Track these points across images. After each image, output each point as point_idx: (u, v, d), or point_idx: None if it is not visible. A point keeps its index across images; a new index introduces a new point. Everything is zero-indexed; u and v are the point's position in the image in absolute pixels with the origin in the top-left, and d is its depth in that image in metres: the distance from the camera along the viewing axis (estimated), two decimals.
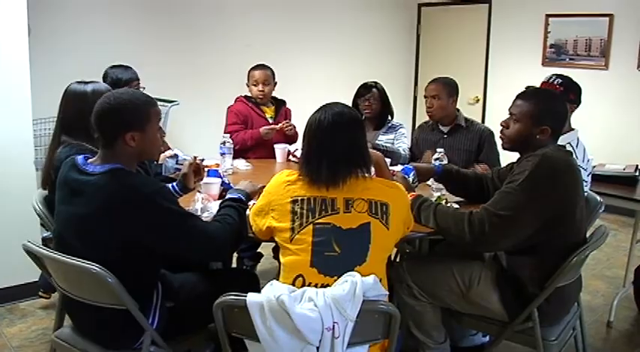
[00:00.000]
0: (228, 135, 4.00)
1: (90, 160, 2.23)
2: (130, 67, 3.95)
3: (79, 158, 2.23)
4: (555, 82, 3.36)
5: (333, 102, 2.29)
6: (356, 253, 2.08)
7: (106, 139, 2.20)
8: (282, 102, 4.52)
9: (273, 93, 4.47)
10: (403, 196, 2.30)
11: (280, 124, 4.24)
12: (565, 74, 3.43)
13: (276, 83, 4.40)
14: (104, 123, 2.18)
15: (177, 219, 2.16)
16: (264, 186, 2.35)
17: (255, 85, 4.31)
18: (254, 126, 4.28)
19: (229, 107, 4.41)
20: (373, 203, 2.14)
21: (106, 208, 2.08)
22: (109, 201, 2.09)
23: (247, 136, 4.23)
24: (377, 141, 4.15)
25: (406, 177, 2.95)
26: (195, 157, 2.86)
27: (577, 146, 3.17)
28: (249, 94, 4.42)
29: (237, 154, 4.07)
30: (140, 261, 2.19)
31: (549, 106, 2.57)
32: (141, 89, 3.68)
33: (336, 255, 2.07)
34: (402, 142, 4.25)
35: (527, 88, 3.43)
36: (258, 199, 2.32)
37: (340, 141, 2.17)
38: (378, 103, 4.29)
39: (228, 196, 2.52)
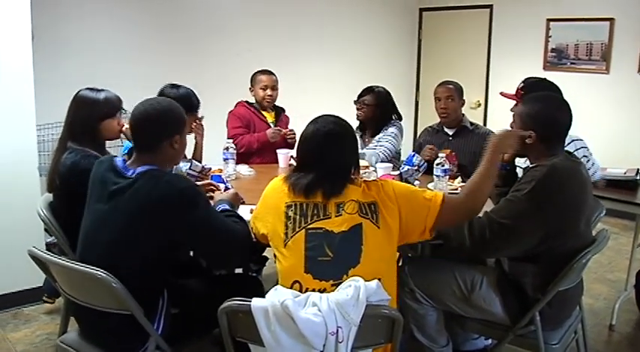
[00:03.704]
0: (232, 139, 4.04)
1: (127, 163, 2.29)
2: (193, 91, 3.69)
3: (119, 161, 2.30)
4: (519, 86, 3.34)
5: (326, 115, 2.31)
6: (349, 256, 2.09)
7: (148, 143, 2.27)
8: (282, 110, 4.58)
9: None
10: (390, 192, 2.22)
11: (285, 130, 4.31)
12: (543, 77, 3.42)
13: (278, 88, 4.47)
14: (152, 127, 2.26)
15: (214, 215, 2.29)
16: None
17: (263, 90, 4.38)
18: (256, 130, 4.34)
19: (230, 112, 4.45)
20: (362, 204, 2.15)
21: (150, 206, 2.14)
22: (152, 199, 2.14)
23: (253, 139, 4.29)
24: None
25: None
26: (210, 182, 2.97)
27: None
28: (249, 99, 4.48)
29: (241, 158, 4.11)
30: (164, 261, 2.26)
31: (535, 111, 2.53)
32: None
33: (329, 259, 2.08)
34: (385, 141, 4.21)
35: (527, 79, 3.42)
36: (257, 204, 2.33)
37: (330, 157, 2.20)
38: (371, 107, 4.29)
39: (221, 208, 2.52)
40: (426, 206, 2.25)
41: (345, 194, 2.16)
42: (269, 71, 4.44)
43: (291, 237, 2.12)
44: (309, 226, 2.12)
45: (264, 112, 4.46)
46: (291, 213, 2.14)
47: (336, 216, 2.13)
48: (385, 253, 2.19)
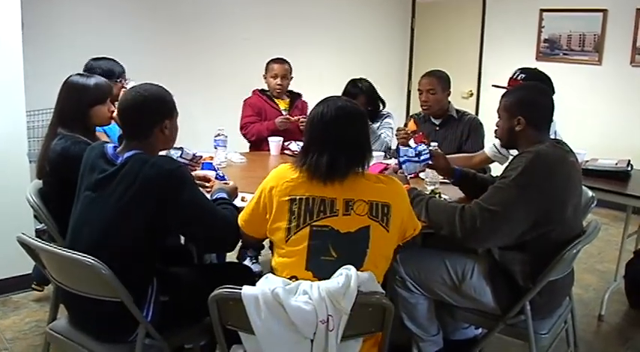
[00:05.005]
0: (243, 128, 4.32)
1: (117, 150, 2.28)
2: (116, 60, 3.72)
3: (109, 147, 2.29)
4: (519, 77, 3.40)
5: (335, 96, 2.25)
6: (353, 258, 2.03)
7: (140, 130, 2.27)
8: (298, 95, 4.59)
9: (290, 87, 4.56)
10: (403, 193, 2.23)
11: (296, 117, 4.30)
12: (533, 66, 3.46)
13: (292, 77, 4.48)
14: (142, 114, 2.26)
15: (202, 197, 2.28)
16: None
17: (274, 78, 4.40)
18: (267, 119, 4.38)
19: (245, 100, 4.50)
20: (374, 204, 2.08)
21: (138, 188, 2.13)
22: (139, 181, 2.13)
23: (263, 127, 4.33)
24: None
25: (403, 172, 2.95)
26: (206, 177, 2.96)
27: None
28: (264, 87, 4.52)
29: (253, 145, 4.39)
30: (152, 246, 2.25)
31: (520, 97, 2.59)
32: (130, 82, 3.57)
33: (332, 259, 2.04)
34: (386, 129, 4.34)
35: (523, 69, 3.46)
36: (256, 193, 2.27)
37: (342, 136, 2.12)
38: (364, 105, 4.32)
39: (217, 196, 2.52)
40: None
41: (356, 190, 2.09)
42: (281, 59, 4.44)
43: (295, 232, 2.06)
44: (314, 223, 2.05)
45: (277, 100, 4.48)
46: (295, 208, 2.08)
47: (344, 215, 2.07)
48: (389, 255, 2.19)
